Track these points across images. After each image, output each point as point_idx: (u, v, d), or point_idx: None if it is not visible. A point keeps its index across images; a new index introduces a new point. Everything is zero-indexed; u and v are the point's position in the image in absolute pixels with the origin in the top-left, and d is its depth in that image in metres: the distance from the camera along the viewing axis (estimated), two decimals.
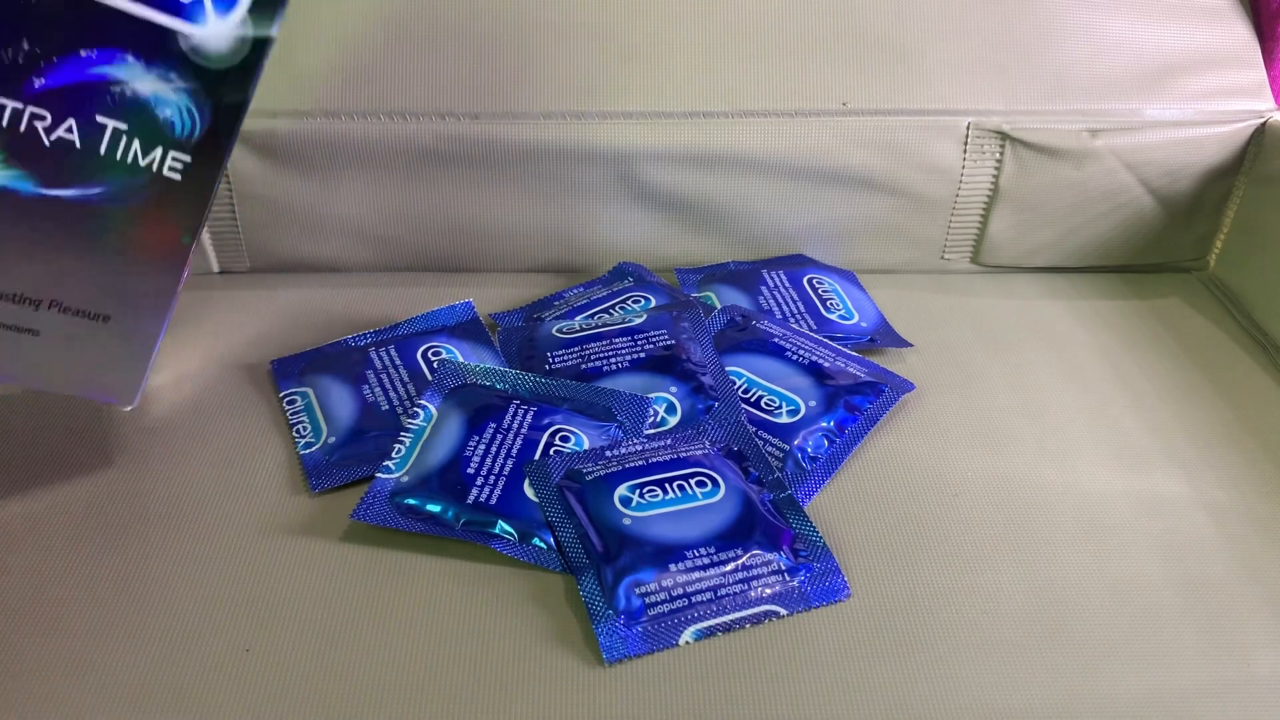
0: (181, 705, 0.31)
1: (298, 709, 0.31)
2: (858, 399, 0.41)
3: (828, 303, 0.48)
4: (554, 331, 0.45)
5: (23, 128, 0.32)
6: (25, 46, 0.31)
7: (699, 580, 0.34)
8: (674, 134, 0.49)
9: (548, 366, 0.43)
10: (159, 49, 0.32)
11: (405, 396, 0.42)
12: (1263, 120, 0.51)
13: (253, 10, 0.33)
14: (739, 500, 0.37)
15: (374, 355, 0.44)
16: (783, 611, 0.34)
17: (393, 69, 0.48)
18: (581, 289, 0.50)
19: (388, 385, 0.43)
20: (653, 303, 0.47)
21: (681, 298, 0.48)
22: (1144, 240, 0.53)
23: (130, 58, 0.32)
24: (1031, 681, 0.32)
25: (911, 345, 0.47)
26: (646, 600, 0.33)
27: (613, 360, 0.43)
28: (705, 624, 0.33)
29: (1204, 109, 0.50)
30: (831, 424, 0.40)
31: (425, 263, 0.52)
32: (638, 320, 0.45)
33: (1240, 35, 0.51)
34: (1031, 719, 0.31)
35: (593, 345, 0.44)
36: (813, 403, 0.41)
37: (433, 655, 0.33)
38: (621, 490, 0.37)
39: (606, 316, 0.46)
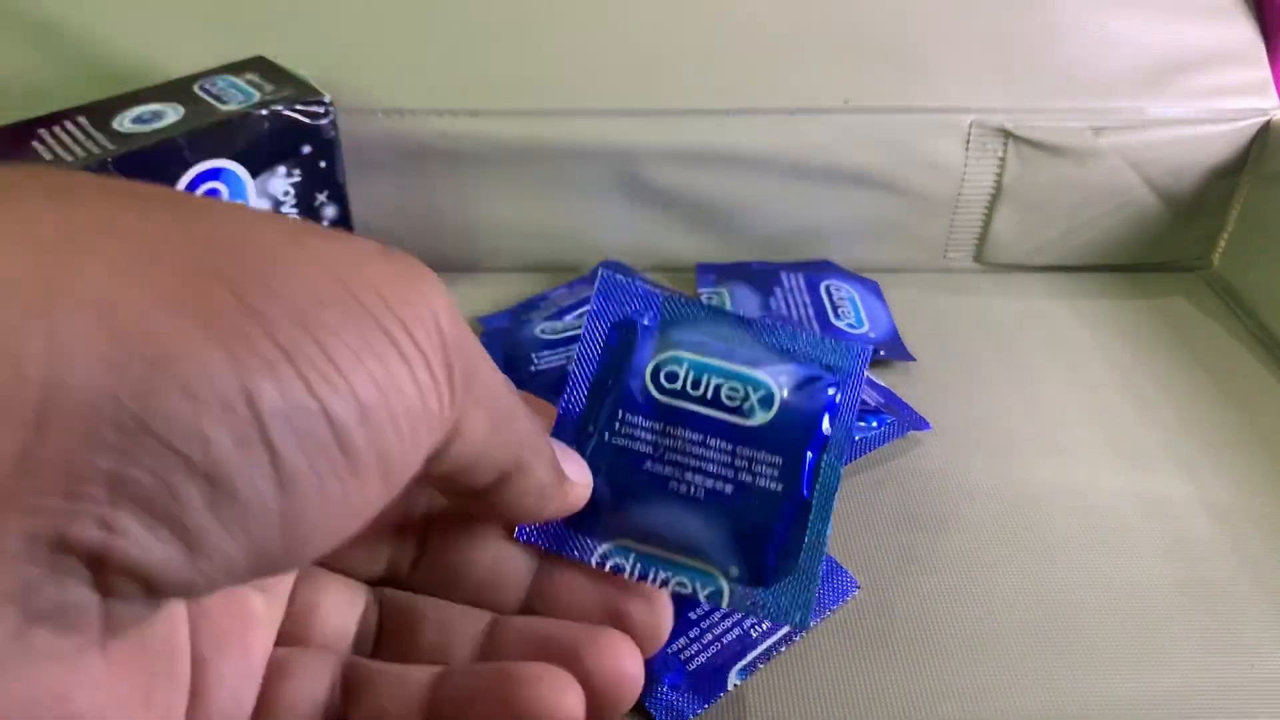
0: None
1: None
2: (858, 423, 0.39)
3: (839, 309, 0.47)
4: (537, 333, 0.44)
5: None
6: None
7: (721, 621, 0.32)
8: (673, 131, 0.48)
9: (532, 369, 0.42)
10: None
11: None
12: (1267, 118, 0.50)
13: None
14: None
15: None
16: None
17: (390, 66, 0.47)
18: (566, 289, 0.49)
19: None
20: None
21: (662, 292, 0.47)
22: (1147, 239, 0.52)
23: None
24: (1033, 683, 0.31)
25: (914, 359, 0.46)
26: (682, 656, 0.32)
27: None
28: (744, 661, 0.32)
29: (1208, 107, 0.50)
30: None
31: (423, 261, 0.51)
32: None
33: (1245, 33, 0.51)
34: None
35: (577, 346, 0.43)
36: None
37: None
38: None
39: None
